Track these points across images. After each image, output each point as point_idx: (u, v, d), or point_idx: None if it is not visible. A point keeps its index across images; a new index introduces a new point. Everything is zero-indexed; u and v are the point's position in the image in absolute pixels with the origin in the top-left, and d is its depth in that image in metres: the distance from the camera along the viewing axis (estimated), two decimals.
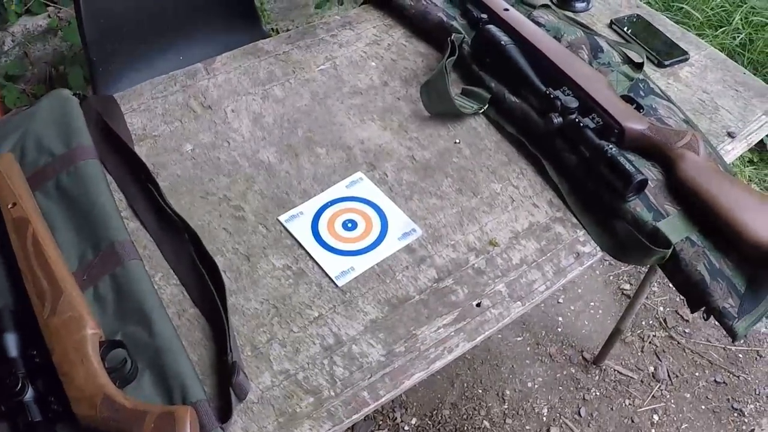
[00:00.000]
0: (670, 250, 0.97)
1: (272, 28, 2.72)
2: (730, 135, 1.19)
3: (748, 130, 1.21)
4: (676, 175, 1.03)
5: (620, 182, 0.99)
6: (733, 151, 1.18)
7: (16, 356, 0.77)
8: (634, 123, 1.06)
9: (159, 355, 0.80)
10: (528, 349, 1.97)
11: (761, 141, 1.61)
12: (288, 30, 2.74)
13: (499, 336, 1.99)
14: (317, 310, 0.89)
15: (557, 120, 1.05)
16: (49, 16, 2.32)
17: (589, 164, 1.04)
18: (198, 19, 1.78)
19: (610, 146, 1.00)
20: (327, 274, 0.93)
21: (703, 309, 0.98)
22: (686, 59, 1.31)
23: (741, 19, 2.67)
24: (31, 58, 2.34)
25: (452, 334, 0.89)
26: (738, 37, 2.65)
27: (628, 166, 0.98)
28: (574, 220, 1.03)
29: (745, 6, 2.69)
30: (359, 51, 1.28)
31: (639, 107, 1.12)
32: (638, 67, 1.22)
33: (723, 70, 1.31)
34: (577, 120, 1.05)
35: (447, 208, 1.03)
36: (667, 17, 1.46)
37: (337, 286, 0.92)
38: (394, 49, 1.28)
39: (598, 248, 1.01)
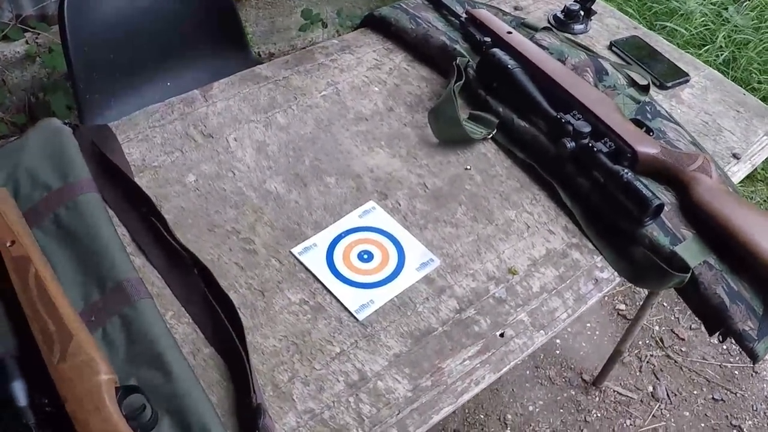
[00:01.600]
0: (689, 275, 0.95)
1: (254, 52, 2.69)
2: (735, 156, 1.18)
3: (751, 151, 1.21)
4: (691, 198, 1.02)
5: (637, 207, 0.97)
6: (738, 173, 1.18)
7: (25, 405, 0.73)
8: (646, 147, 1.05)
9: (178, 400, 0.75)
10: (527, 372, 1.95)
11: None
12: (271, 53, 2.72)
13: None
14: (339, 346, 0.86)
15: (570, 145, 1.03)
16: (27, 42, 2.27)
17: (603, 189, 1.02)
18: (185, 44, 1.74)
19: (626, 171, 0.99)
20: (346, 308, 0.89)
21: (719, 331, 0.97)
22: (687, 80, 1.31)
23: (724, 38, 2.69)
24: (9, 86, 2.29)
25: (478, 365, 0.86)
26: (721, 55, 2.67)
27: (644, 190, 0.97)
28: (591, 246, 1.02)
29: (728, 24, 2.72)
30: (361, 76, 1.25)
31: (649, 130, 1.10)
32: (644, 89, 1.21)
33: (722, 91, 1.32)
34: (590, 145, 1.03)
35: (463, 236, 1.00)
36: None
37: (357, 320, 0.89)
38: (396, 73, 1.26)
39: (615, 274, 0.99)
